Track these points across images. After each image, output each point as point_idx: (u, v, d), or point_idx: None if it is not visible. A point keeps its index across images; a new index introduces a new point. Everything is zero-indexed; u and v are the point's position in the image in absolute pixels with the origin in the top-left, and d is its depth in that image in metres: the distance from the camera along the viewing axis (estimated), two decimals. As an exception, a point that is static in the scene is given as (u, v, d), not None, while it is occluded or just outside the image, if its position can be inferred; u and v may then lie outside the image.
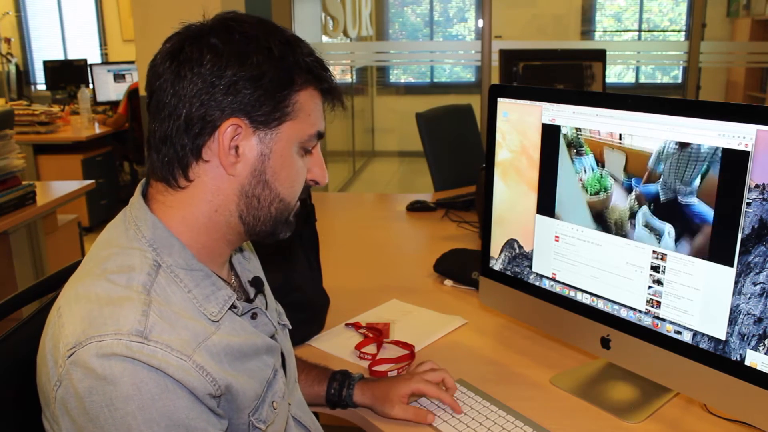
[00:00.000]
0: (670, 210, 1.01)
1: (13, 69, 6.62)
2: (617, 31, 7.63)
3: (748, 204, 0.91)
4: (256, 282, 0.94)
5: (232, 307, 0.82)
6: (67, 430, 0.71)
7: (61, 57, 7.79)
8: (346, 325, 1.46)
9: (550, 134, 1.18)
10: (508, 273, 1.31)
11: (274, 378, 0.87)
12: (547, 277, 1.24)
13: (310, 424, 1.00)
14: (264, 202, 0.81)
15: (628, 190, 1.06)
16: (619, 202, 1.08)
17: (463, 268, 1.68)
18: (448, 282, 1.71)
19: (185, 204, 0.80)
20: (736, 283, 0.94)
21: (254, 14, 0.83)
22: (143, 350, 0.68)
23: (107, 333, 0.69)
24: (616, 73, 7.64)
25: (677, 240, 1.01)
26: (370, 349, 1.35)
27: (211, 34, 0.76)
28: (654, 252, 1.05)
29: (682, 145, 0.98)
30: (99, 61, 7.22)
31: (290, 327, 1.02)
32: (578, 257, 1.17)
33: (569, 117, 1.14)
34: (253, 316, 0.87)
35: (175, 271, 0.77)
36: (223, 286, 0.81)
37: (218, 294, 0.80)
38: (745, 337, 0.94)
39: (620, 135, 1.06)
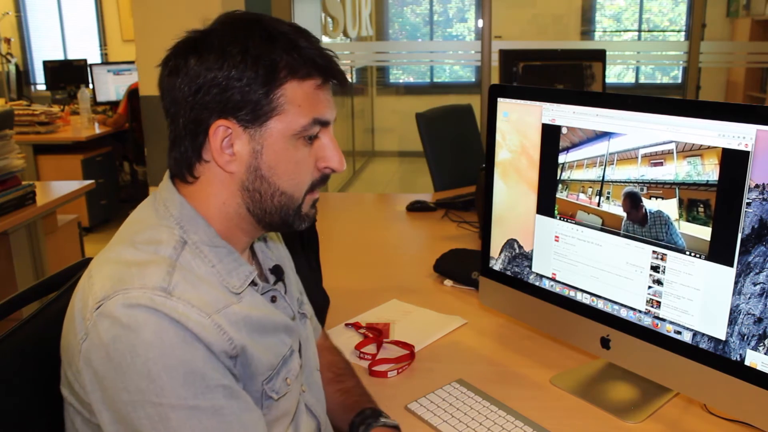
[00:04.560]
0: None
1: (13, 69, 6.61)
2: (617, 31, 7.63)
3: (748, 204, 0.91)
4: (276, 270, 0.96)
5: (253, 283, 0.85)
6: (89, 382, 0.74)
7: (61, 57, 7.78)
8: (346, 325, 1.46)
9: (550, 134, 1.18)
10: (508, 273, 1.31)
11: (290, 356, 0.89)
12: (547, 277, 1.24)
13: (320, 413, 1.00)
14: (265, 195, 0.83)
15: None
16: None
17: (463, 268, 1.68)
18: (448, 282, 1.71)
19: (197, 196, 0.84)
20: (736, 283, 0.94)
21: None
22: (166, 303, 0.73)
23: (133, 287, 0.73)
24: (616, 73, 7.64)
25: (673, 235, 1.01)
26: (370, 349, 1.35)
27: (197, 40, 0.80)
28: (654, 252, 1.05)
29: (682, 145, 0.98)
30: (99, 61, 7.21)
31: (308, 317, 1.03)
32: (578, 257, 1.17)
33: (569, 117, 1.14)
34: (273, 300, 0.90)
35: (200, 247, 0.81)
36: (245, 263, 0.85)
37: (240, 270, 0.83)
38: (745, 337, 0.94)
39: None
